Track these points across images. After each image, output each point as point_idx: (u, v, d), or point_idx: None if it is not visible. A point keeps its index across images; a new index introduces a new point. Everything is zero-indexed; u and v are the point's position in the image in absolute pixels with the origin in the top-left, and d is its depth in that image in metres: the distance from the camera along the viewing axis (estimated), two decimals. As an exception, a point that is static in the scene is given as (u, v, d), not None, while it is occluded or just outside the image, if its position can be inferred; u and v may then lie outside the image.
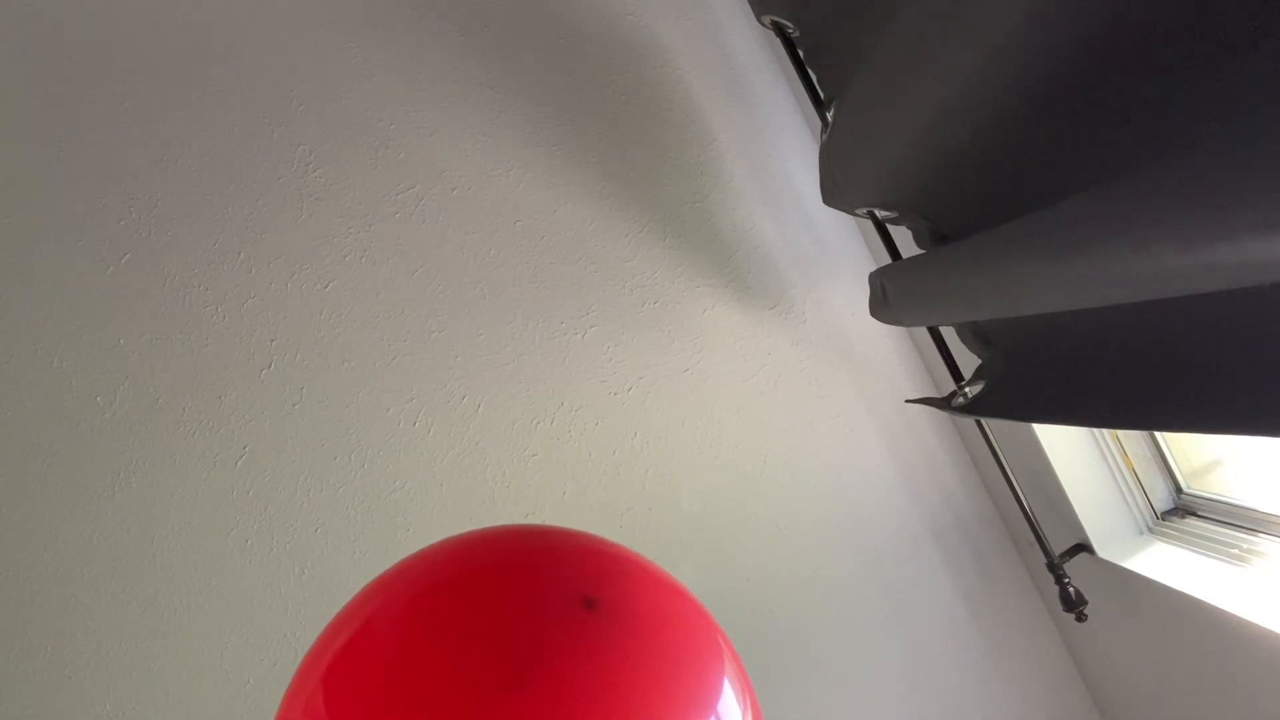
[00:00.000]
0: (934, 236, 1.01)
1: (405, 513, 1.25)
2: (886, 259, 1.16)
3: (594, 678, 0.42)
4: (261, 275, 1.25)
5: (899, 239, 1.15)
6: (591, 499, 1.30)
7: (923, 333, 1.28)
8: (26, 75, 1.22)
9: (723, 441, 1.36)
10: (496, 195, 1.33)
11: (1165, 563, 1.12)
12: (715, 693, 0.46)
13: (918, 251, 1.05)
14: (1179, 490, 1.22)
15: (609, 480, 1.31)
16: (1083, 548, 1.23)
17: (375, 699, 0.42)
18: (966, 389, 1.06)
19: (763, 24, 1.12)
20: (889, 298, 1.11)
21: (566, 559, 0.51)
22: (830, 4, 0.98)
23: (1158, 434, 1.20)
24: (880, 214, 1.11)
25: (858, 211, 1.14)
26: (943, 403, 1.09)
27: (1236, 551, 1.06)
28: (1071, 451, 1.22)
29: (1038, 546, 1.19)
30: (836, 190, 1.14)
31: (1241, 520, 1.08)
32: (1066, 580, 1.17)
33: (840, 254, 1.44)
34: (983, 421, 1.18)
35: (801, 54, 1.11)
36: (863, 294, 1.27)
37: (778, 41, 1.12)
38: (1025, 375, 0.97)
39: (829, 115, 1.10)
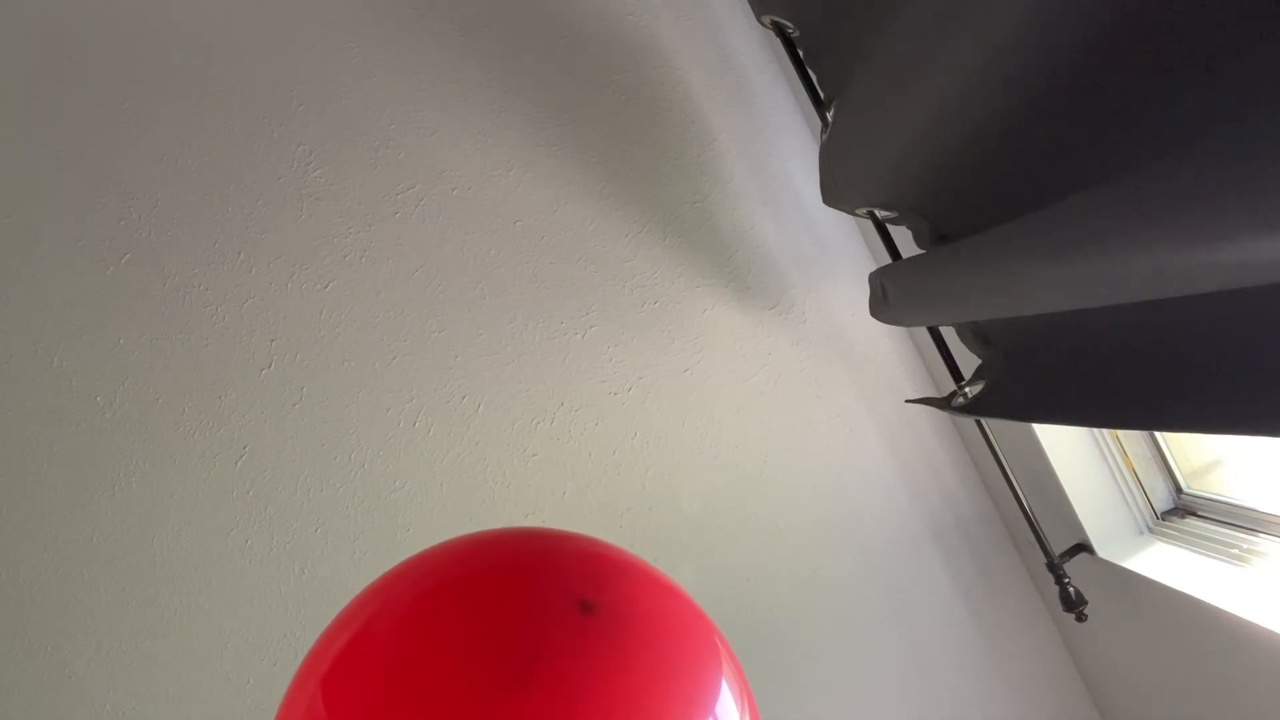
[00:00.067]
0: (934, 236, 1.01)
1: (405, 513, 1.25)
2: (886, 259, 1.16)
3: (592, 681, 0.42)
4: (261, 275, 1.25)
5: (899, 239, 1.15)
6: (591, 499, 1.30)
7: (923, 333, 1.28)
8: (27, 75, 1.21)
9: (723, 441, 1.36)
10: (496, 195, 1.33)
11: (1165, 563, 1.12)
12: (713, 695, 0.46)
13: (918, 251, 1.05)
14: (1179, 490, 1.22)
15: (609, 480, 1.31)
16: (1083, 548, 1.23)
17: (374, 701, 0.42)
18: (966, 389, 1.06)
19: (763, 24, 1.12)
20: (889, 298, 1.11)
21: (564, 562, 0.51)
22: (830, 4, 0.98)
23: (1158, 434, 1.20)
24: (880, 214, 1.11)
25: (858, 211, 1.14)
26: (943, 403, 1.09)
27: (1236, 551, 1.06)
28: (1071, 451, 1.22)
29: (1038, 546, 1.19)
30: (836, 190, 1.14)
31: (1241, 520, 1.08)
32: (1066, 580, 1.17)
33: (840, 254, 1.44)
34: (983, 421, 1.18)
35: (801, 54, 1.11)
36: (863, 294, 1.27)
37: (778, 41, 1.12)
38: (1025, 375, 0.97)
39: (829, 115, 1.10)
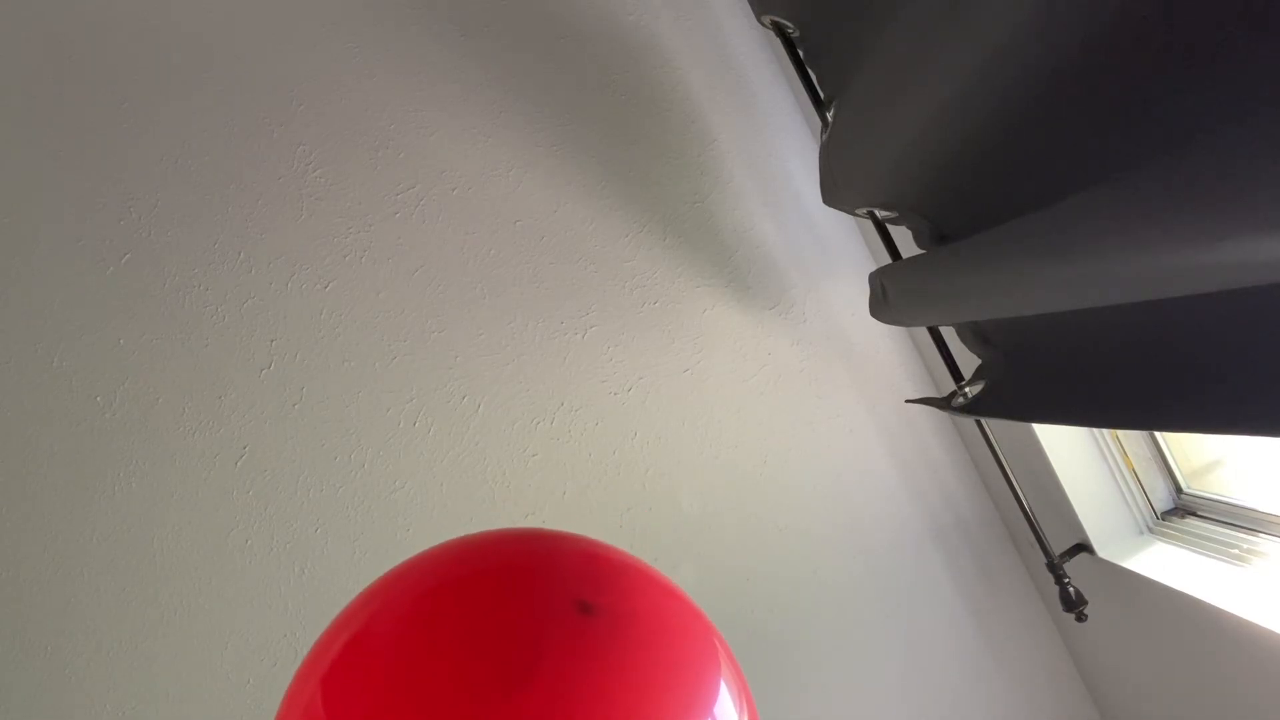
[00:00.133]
0: (934, 236, 1.01)
1: (405, 513, 1.25)
2: (886, 259, 1.16)
3: (591, 682, 0.42)
4: (261, 275, 1.25)
5: (899, 239, 1.15)
6: (591, 499, 1.30)
7: (923, 333, 1.28)
8: (27, 75, 1.21)
9: (723, 441, 1.36)
10: (496, 195, 1.33)
11: (1165, 563, 1.12)
12: (712, 696, 0.46)
13: (918, 251, 1.05)
14: (1179, 490, 1.22)
15: (609, 480, 1.31)
16: (1083, 548, 1.23)
17: (374, 701, 0.42)
18: (966, 389, 1.06)
19: (763, 24, 1.12)
20: (889, 298, 1.11)
21: (563, 563, 0.51)
22: (830, 4, 0.98)
23: (1158, 434, 1.20)
24: (880, 214, 1.11)
25: (858, 211, 1.14)
26: (943, 403, 1.09)
27: (1236, 551, 1.06)
28: (1071, 451, 1.22)
29: (1038, 546, 1.19)
30: (836, 190, 1.14)
31: (1241, 520, 1.08)
32: (1066, 580, 1.17)
33: (840, 254, 1.44)
34: (983, 421, 1.18)
35: (801, 54, 1.11)
36: (863, 294, 1.27)
37: (778, 41, 1.12)
38: (1025, 375, 0.97)
39: (829, 115, 1.10)
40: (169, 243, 1.23)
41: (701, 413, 1.35)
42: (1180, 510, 1.21)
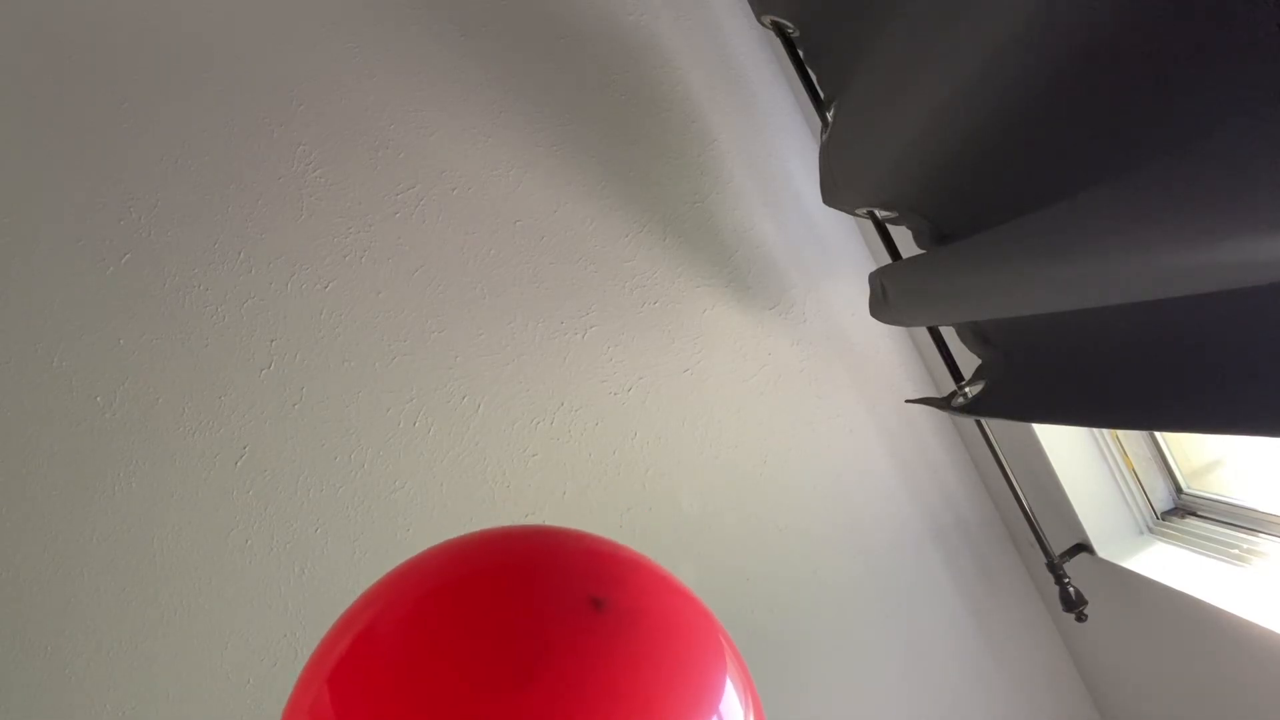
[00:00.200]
0: (934, 236, 1.01)
1: (405, 513, 1.25)
2: (886, 259, 1.16)
3: (600, 677, 0.42)
4: (261, 275, 1.25)
5: (899, 239, 1.15)
6: (591, 499, 1.30)
7: (923, 333, 1.28)
8: (27, 75, 1.21)
9: (723, 441, 1.36)
10: (496, 195, 1.33)
11: (1165, 563, 1.12)
12: (718, 693, 0.46)
13: (918, 251, 1.05)
14: (1179, 490, 1.22)
15: (609, 480, 1.31)
16: (1083, 548, 1.23)
17: (382, 696, 0.42)
18: (966, 389, 1.06)
19: (763, 24, 1.12)
20: (889, 298, 1.11)
21: (574, 559, 0.51)
22: (830, 4, 0.98)
23: (1158, 434, 1.20)
24: (880, 214, 1.11)
25: (858, 211, 1.14)
26: (943, 403, 1.09)
27: (1236, 551, 1.06)
28: (1071, 451, 1.22)
29: (1038, 546, 1.19)
30: (836, 190, 1.14)
31: (1241, 520, 1.08)
32: (1066, 580, 1.17)
33: (840, 254, 1.44)
34: (983, 421, 1.18)
35: (801, 54, 1.11)
36: (863, 294, 1.27)
37: (778, 41, 1.12)
38: (1025, 375, 0.97)
39: (829, 115, 1.10)
40: (169, 243, 1.23)
41: (701, 413, 1.35)
42: (1180, 510, 1.21)
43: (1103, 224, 0.60)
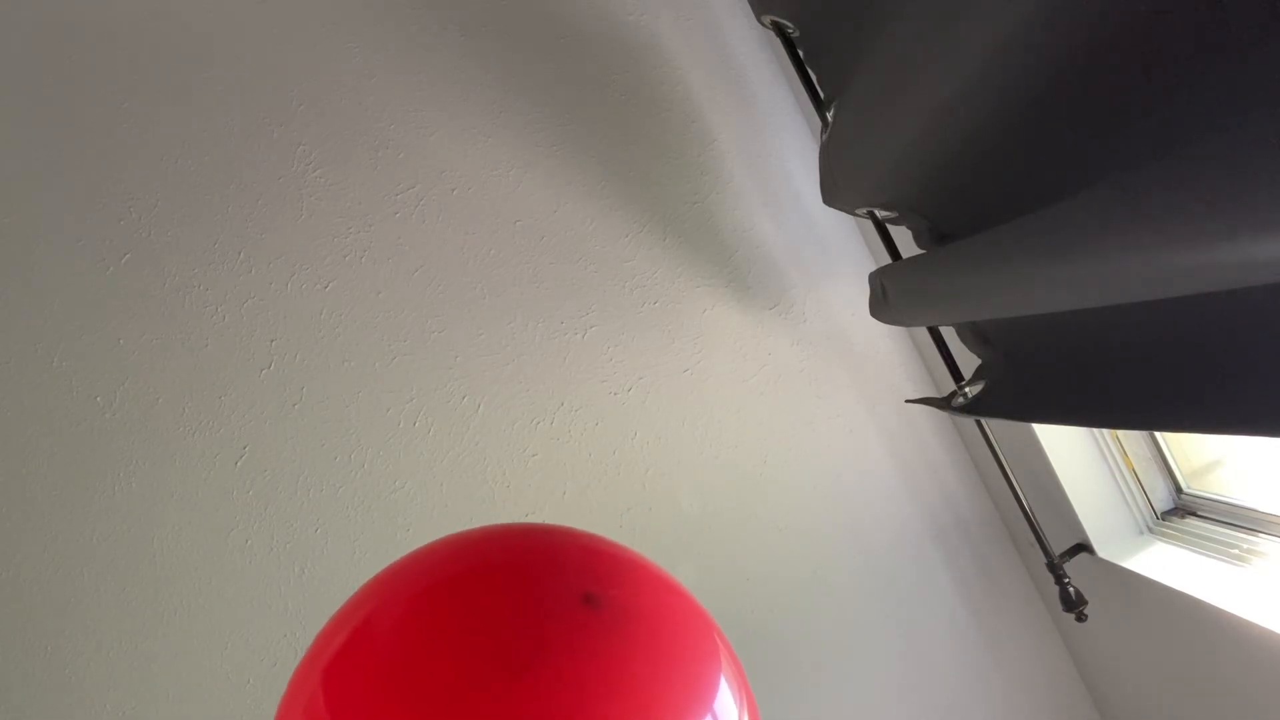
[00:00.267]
0: (934, 236, 1.01)
1: (405, 513, 1.25)
2: (886, 259, 1.16)
3: (593, 674, 0.42)
4: (261, 275, 1.25)
5: (899, 239, 1.15)
6: (591, 499, 1.30)
7: (923, 333, 1.28)
8: (27, 76, 1.22)
9: (723, 441, 1.36)
10: (496, 195, 1.33)
11: (1165, 563, 1.12)
12: (712, 690, 0.46)
13: (918, 251, 1.05)
14: (1179, 490, 1.22)
15: (609, 480, 1.31)
16: (1083, 548, 1.23)
17: (376, 692, 0.42)
18: (966, 389, 1.06)
19: (763, 24, 1.12)
20: (889, 298, 1.11)
21: (568, 556, 0.51)
22: (830, 4, 0.98)
23: (1158, 434, 1.20)
24: (880, 214, 1.11)
25: (858, 211, 1.14)
26: (943, 403, 1.09)
27: (1236, 551, 1.06)
28: (1071, 451, 1.22)
29: (1038, 546, 1.19)
30: (836, 190, 1.14)
31: (1241, 520, 1.08)
32: (1066, 580, 1.17)
33: (840, 254, 1.44)
34: (983, 421, 1.18)
35: (801, 54, 1.11)
36: (863, 294, 1.27)
37: (778, 41, 1.12)
38: (1025, 375, 0.97)
39: (829, 115, 1.10)
40: (169, 243, 1.23)
41: (701, 413, 1.35)
42: (1180, 510, 1.21)
43: (1103, 224, 0.60)
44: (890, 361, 1.44)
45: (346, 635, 0.46)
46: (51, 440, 1.18)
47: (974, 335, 1.08)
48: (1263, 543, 1.03)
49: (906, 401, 1.36)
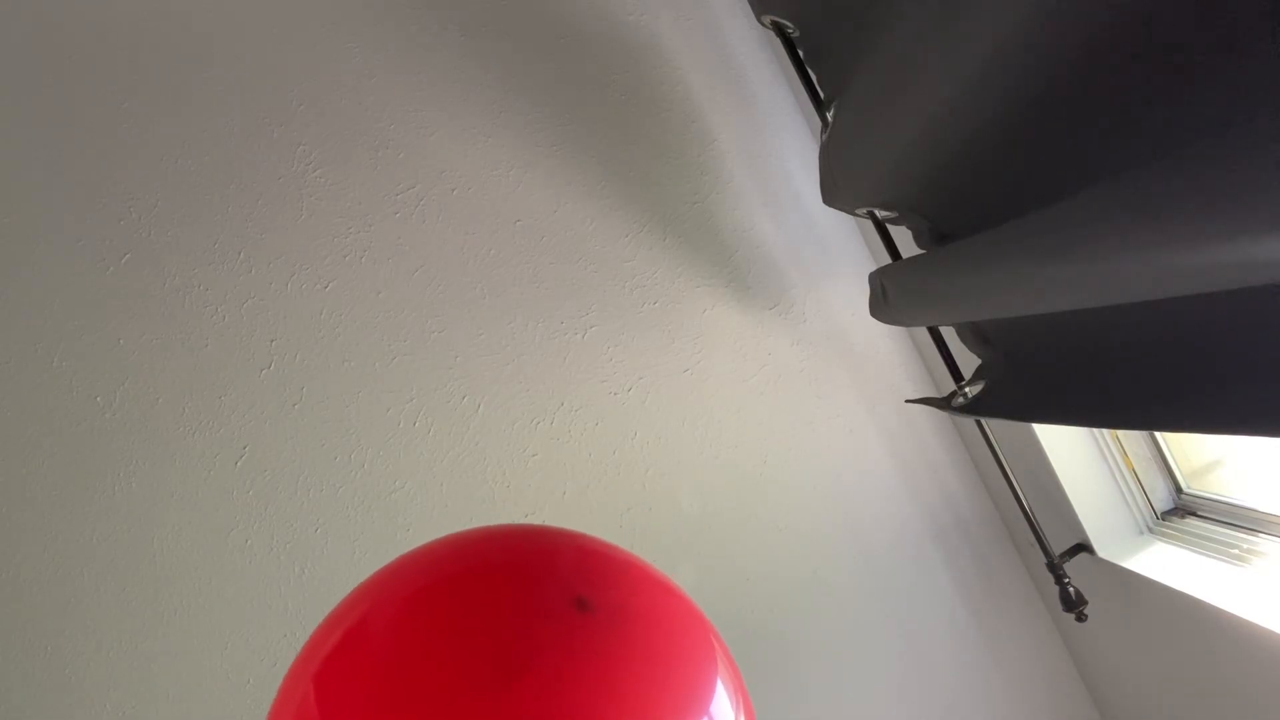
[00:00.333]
0: (934, 236, 1.01)
1: (405, 513, 1.25)
2: (886, 259, 1.16)
3: (586, 677, 0.42)
4: (261, 275, 1.25)
5: (899, 239, 1.15)
6: (591, 499, 1.30)
7: (923, 333, 1.28)
8: (27, 76, 1.22)
9: (723, 441, 1.36)
10: (496, 195, 1.33)
11: (1165, 563, 1.12)
12: (708, 693, 0.46)
13: (918, 251, 1.05)
14: (1179, 490, 1.22)
15: (609, 480, 1.31)
16: (1083, 548, 1.23)
17: (368, 693, 0.42)
18: (966, 389, 1.06)
19: (763, 24, 1.12)
20: (889, 298, 1.11)
21: (563, 559, 0.51)
22: (830, 4, 0.98)
23: (1158, 434, 1.20)
24: (880, 214, 1.11)
25: (858, 211, 1.14)
26: (943, 403, 1.09)
27: (1236, 551, 1.06)
28: (1071, 451, 1.22)
29: (1038, 546, 1.19)
30: (836, 190, 1.14)
31: (1241, 520, 1.08)
32: (1066, 580, 1.17)
33: (840, 254, 1.44)
34: (983, 421, 1.18)
35: (801, 54, 1.11)
36: (863, 294, 1.27)
37: (778, 41, 1.12)
38: (1025, 375, 0.97)
39: (829, 115, 1.10)
40: (169, 243, 1.23)
41: (701, 413, 1.35)
42: (1180, 510, 1.21)
43: (1103, 224, 0.60)
44: (890, 361, 1.44)
45: (338, 638, 0.46)
46: (51, 440, 1.18)
47: (974, 335, 1.08)
48: (1263, 543, 1.03)
49: (906, 401, 1.36)
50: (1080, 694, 1.40)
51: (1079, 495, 1.22)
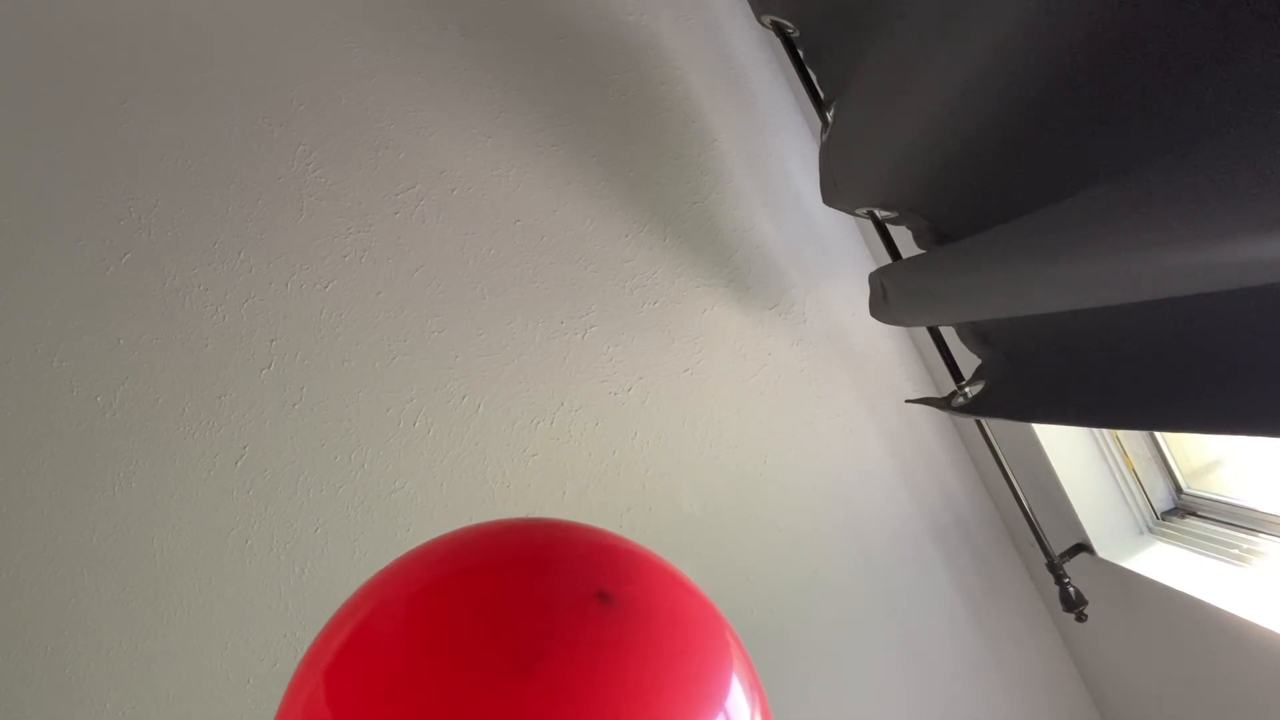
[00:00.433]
0: (934, 236, 1.01)
1: (405, 513, 1.25)
2: (886, 259, 1.16)
3: (604, 669, 0.42)
4: (261, 275, 1.25)
5: (899, 239, 1.15)
6: (591, 499, 1.30)
7: (923, 333, 1.28)
8: (27, 76, 1.21)
9: (723, 441, 1.36)
10: (496, 195, 1.33)
11: (1165, 563, 1.12)
12: (724, 689, 0.46)
13: (918, 251, 1.05)
14: (1179, 490, 1.22)
15: (609, 480, 1.31)
16: (1083, 548, 1.23)
17: (383, 688, 0.42)
18: (966, 389, 1.06)
19: (763, 24, 1.12)
20: (889, 298, 1.11)
21: (582, 552, 0.51)
22: (830, 4, 0.98)
23: (1158, 434, 1.20)
24: (880, 214, 1.11)
25: (858, 211, 1.14)
26: (943, 403, 1.09)
27: (1236, 551, 1.06)
28: (1071, 451, 1.22)
29: (1038, 546, 1.19)
30: (836, 190, 1.14)
31: (1241, 520, 1.08)
32: (1066, 580, 1.17)
33: (840, 254, 1.44)
34: (983, 421, 1.18)
35: (801, 54, 1.11)
36: (863, 294, 1.27)
37: (778, 41, 1.12)
38: (1025, 375, 0.97)
39: (829, 115, 1.10)
40: (169, 243, 1.23)
41: (701, 413, 1.35)
42: (1180, 510, 1.21)
43: (1103, 224, 0.60)
44: (890, 361, 1.44)
45: (351, 630, 0.46)
46: (51, 440, 1.18)
47: (974, 335, 1.08)
48: (1263, 543, 1.03)
49: (906, 401, 1.36)
50: (1080, 694, 1.40)
51: (1079, 495, 1.22)
